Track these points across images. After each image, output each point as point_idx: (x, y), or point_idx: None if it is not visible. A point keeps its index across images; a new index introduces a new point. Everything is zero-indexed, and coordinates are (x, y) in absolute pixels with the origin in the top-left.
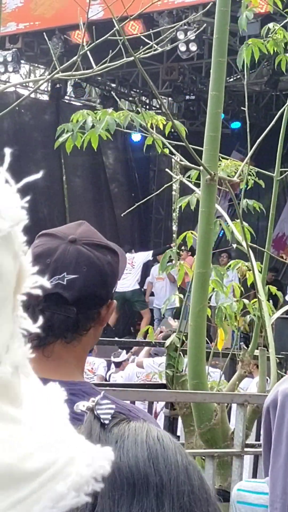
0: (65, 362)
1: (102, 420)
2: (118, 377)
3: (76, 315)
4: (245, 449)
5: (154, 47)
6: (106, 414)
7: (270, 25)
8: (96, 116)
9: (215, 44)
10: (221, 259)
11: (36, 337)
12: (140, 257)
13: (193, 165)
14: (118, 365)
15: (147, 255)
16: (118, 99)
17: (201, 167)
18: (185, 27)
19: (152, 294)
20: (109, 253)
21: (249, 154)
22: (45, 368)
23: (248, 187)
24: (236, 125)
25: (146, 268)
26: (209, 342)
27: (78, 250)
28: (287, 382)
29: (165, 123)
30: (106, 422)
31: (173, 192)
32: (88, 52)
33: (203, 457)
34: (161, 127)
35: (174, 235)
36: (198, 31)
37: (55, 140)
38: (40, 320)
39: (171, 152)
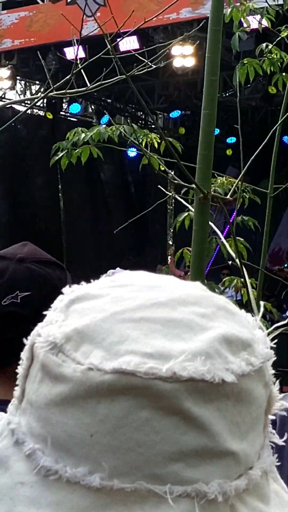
0: None
1: None
2: None
3: None
4: None
5: (147, 62)
6: None
7: (264, 45)
8: (96, 136)
9: (207, 63)
10: (222, 275)
11: None
12: None
13: (186, 184)
14: None
15: None
16: (112, 116)
17: (194, 186)
18: (180, 42)
19: None
20: (58, 269)
21: (243, 171)
22: (9, 391)
23: (245, 205)
24: (231, 140)
25: None
26: None
27: (28, 268)
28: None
29: (159, 141)
30: None
31: (169, 208)
32: (82, 70)
33: None
34: (156, 145)
35: (169, 252)
36: (193, 47)
37: (51, 155)
38: None
39: (167, 168)
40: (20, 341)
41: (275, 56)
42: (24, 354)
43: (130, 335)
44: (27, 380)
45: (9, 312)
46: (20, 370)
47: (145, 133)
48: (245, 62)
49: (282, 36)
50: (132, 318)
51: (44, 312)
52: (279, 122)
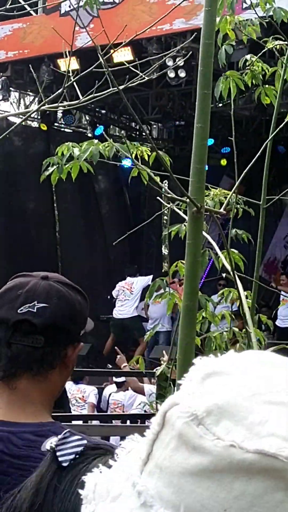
0: (32, 401)
1: (60, 462)
2: (120, 397)
3: (43, 347)
4: None
5: (142, 75)
6: (68, 455)
7: (248, 56)
8: (82, 148)
9: (200, 76)
10: (219, 286)
11: (2, 369)
12: (140, 282)
13: (179, 198)
14: (120, 385)
15: (147, 280)
16: (106, 127)
17: (187, 199)
18: (174, 53)
19: (145, 319)
20: (79, 295)
21: (237, 183)
22: (12, 410)
23: (238, 216)
24: (226, 150)
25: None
26: None
27: (49, 284)
28: None
29: (149, 153)
30: (64, 464)
31: (164, 220)
32: (75, 82)
33: None
34: (146, 157)
35: (164, 264)
36: (186, 58)
37: (42, 171)
38: (7, 351)
39: (161, 180)
40: (28, 352)
41: (257, 68)
42: (155, 420)
43: (271, 418)
44: (156, 444)
45: (22, 320)
46: (149, 434)
47: (135, 146)
48: (227, 75)
49: (267, 47)
50: (273, 400)
51: (179, 382)
52: (269, 137)
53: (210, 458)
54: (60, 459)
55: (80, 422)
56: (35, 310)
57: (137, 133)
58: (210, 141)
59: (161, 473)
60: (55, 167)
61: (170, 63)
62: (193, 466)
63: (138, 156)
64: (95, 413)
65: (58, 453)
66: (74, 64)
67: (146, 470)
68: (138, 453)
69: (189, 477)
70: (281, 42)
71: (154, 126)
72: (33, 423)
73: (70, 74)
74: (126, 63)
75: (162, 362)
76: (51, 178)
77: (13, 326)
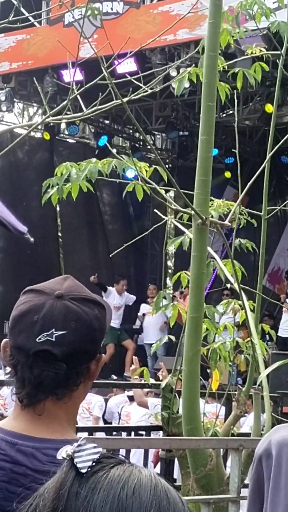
0: (57, 419)
1: (79, 469)
2: (133, 411)
3: (65, 371)
4: (241, 495)
5: (146, 88)
6: (85, 462)
7: (237, 69)
8: (80, 168)
9: (204, 89)
10: (223, 296)
11: (26, 395)
12: (123, 299)
13: (184, 210)
14: (132, 398)
15: (131, 299)
16: (110, 137)
17: (192, 211)
18: (178, 64)
19: (140, 330)
20: (96, 307)
21: (241, 196)
22: (37, 427)
23: (240, 226)
24: (230, 160)
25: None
26: (207, 379)
27: (65, 305)
28: (281, 431)
29: (147, 169)
30: (83, 471)
31: (167, 228)
32: (80, 92)
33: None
34: (144, 173)
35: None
36: (190, 68)
37: (42, 193)
38: (30, 377)
39: (165, 192)
40: (52, 377)
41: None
42: None
43: None
44: None
45: (42, 350)
46: None
47: (134, 162)
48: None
49: (249, 54)
50: None
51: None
52: (267, 158)
53: None
54: (78, 465)
55: (85, 434)
56: (53, 339)
57: (141, 143)
58: (214, 151)
59: None
60: (55, 188)
61: (174, 73)
62: None
63: (138, 171)
64: (100, 425)
65: (75, 460)
66: (78, 75)
67: None
68: None
69: None
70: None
71: (158, 136)
72: (58, 439)
73: (74, 86)
74: (128, 76)
75: (160, 375)
76: (51, 199)
77: (33, 354)
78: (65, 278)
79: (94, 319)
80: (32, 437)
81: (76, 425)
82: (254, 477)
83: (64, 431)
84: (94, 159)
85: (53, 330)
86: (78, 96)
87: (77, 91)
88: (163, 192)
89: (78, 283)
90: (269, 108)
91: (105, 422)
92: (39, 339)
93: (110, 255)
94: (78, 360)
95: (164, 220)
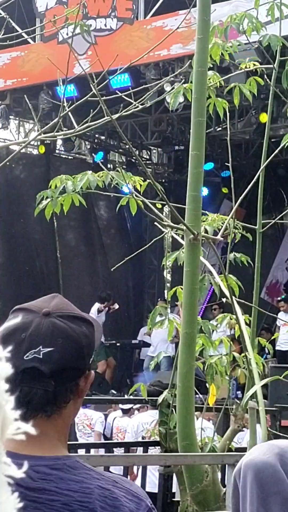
0: (47, 437)
1: None
2: (125, 424)
3: (54, 388)
4: None
5: (136, 104)
6: None
7: (232, 84)
8: (75, 181)
9: (193, 104)
10: (214, 312)
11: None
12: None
13: (175, 225)
14: (126, 411)
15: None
16: (106, 152)
17: (184, 227)
18: (172, 78)
19: (147, 344)
20: (84, 324)
21: (234, 208)
22: (28, 445)
23: (236, 241)
24: (226, 173)
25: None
26: (205, 394)
27: (52, 322)
28: (253, 452)
29: (142, 183)
30: None
31: (166, 244)
32: (72, 109)
33: None
34: (138, 187)
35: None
36: (182, 82)
37: (36, 205)
38: (19, 395)
39: (161, 206)
40: (40, 395)
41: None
42: None
43: None
44: None
45: (30, 368)
46: None
47: (129, 176)
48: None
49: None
50: None
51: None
52: (260, 170)
53: None
54: None
55: (83, 451)
56: (41, 356)
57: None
58: (210, 165)
59: None
60: (48, 200)
61: (168, 88)
62: None
63: (132, 186)
64: (100, 441)
65: None
66: (74, 92)
67: None
68: None
69: None
70: (270, 66)
71: (154, 151)
72: (49, 456)
73: (65, 104)
74: (119, 92)
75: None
76: (45, 212)
77: (22, 372)
78: (53, 296)
79: (81, 336)
80: (22, 455)
81: (76, 442)
82: (233, 496)
83: (54, 449)
84: (90, 172)
85: (40, 347)
86: (70, 113)
87: (70, 107)
88: (158, 206)
89: (66, 301)
90: (264, 117)
91: (105, 438)
92: (27, 356)
93: (112, 269)
94: (67, 377)
95: (162, 234)
